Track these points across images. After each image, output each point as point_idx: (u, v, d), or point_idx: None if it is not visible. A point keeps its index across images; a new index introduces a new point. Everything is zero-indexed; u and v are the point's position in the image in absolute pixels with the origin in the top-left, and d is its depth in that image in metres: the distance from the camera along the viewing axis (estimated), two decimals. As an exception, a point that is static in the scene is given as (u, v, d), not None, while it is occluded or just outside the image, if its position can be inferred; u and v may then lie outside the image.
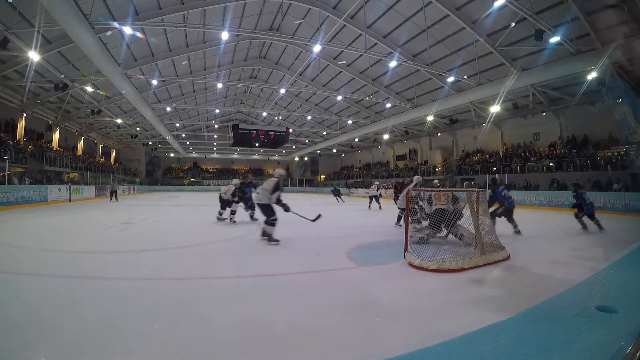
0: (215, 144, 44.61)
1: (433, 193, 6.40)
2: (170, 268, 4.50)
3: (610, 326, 2.73)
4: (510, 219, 7.59)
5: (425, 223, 6.74)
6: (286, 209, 6.36)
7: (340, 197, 21.89)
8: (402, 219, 8.06)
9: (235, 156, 50.80)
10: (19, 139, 19.59)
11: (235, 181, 9.78)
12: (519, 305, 3.14)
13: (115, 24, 13.35)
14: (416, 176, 8.51)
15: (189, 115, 33.32)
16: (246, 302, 3.25)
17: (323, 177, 52.37)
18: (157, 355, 2.23)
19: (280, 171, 6.74)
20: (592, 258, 5.29)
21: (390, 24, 17.31)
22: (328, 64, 22.84)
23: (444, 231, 6.40)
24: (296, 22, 19.15)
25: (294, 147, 43.96)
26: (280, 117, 35.13)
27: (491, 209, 7.14)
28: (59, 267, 4.44)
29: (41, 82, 17.76)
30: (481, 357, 2.26)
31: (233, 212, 9.38)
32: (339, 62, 21.88)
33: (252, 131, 24.74)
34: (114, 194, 19.88)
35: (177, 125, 34.57)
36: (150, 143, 40.60)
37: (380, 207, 15.03)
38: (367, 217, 12.14)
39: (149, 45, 18.45)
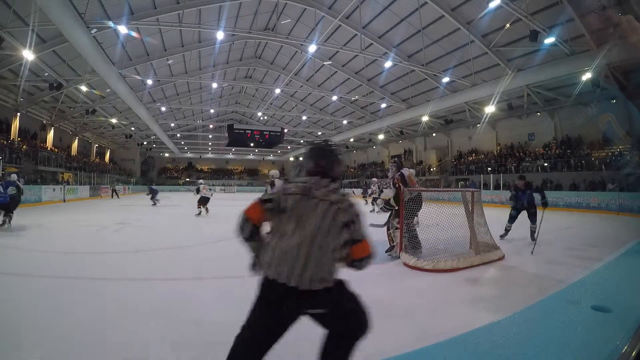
0: (210, 144, 44.38)
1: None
2: (166, 268, 4.48)
3: (606, 325, 2.75)
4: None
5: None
6: None
7: (155, 199, 16.78)
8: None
9: (230, 156, 50.61)
10: (13, 138, 19.33)
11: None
12: (515, 305, 3.16)
13: (110, 23, 13.22)
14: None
15: (183, 115, 33.10)
16: (245, 302, 3.22)
17: (318, 176, 52.22)
18: (153, 355, 2.21)
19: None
20: (587, 258, 5.33)
21: (385, 25, 17.30)
22: (323, 64, 22.80)
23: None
24: (287, 22, 19.08)
25: (289, 147, 43.82)
26: (275, 117, 35.03)
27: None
28: (53, 267, 4.40)
29: (36, 82, 17.57)
30: (477, 357, 2.27)
31: None
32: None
33: (247, 131, 24.64)
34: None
35: (172, 125, 34.35)
36: (144, 143, 40.39)
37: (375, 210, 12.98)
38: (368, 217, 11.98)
39: (144, 45, 18.33)
